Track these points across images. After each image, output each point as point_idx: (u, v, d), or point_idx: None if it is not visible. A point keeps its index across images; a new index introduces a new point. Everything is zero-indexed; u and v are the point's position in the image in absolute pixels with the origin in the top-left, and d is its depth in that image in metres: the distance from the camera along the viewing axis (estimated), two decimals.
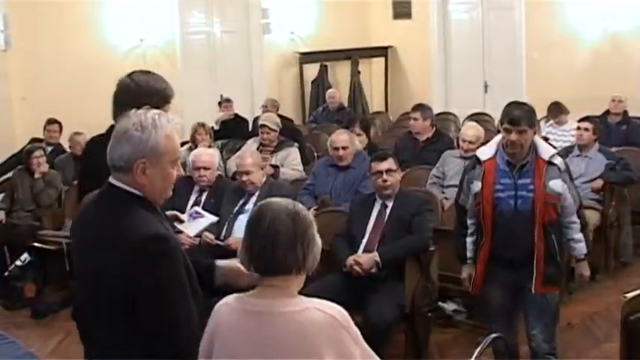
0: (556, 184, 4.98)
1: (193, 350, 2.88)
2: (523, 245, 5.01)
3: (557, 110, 10.36)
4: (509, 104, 5.12)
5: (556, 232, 5.07)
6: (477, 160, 5.19)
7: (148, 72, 4.02)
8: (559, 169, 5.02)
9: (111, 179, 2.97)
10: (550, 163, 5.01)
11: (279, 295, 2.80)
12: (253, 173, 6.71)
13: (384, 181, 6.04)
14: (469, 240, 5.27)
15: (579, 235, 5.19)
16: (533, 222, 4.98)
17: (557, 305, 5.29)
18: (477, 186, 5.10)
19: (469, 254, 5.27)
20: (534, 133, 5.08)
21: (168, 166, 2.96)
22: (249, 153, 7.23)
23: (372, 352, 2.90)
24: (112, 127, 3.87)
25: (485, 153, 5.20)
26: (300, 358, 2.69)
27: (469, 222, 5.26)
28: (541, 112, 9.06)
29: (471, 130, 8.13)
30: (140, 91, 3.89)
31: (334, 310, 2.77)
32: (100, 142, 3.91)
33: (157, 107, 3.73)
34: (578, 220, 5.17)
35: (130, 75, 3.98)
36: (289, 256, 2.78)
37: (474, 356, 2.52)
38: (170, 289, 2.81)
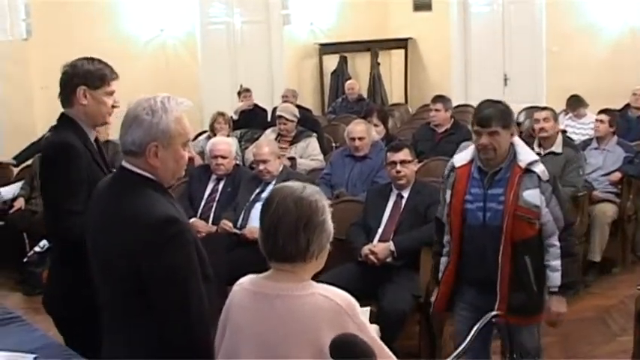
0: (532, 196, 4.32)
1: (203, 329, 2.90)
2: (494, 265, 4.36)
3: (576, 103, 10.32)
4: (481, 103, 4.57)
5: (532, 253, 4.38)
6: (452, 167, 4.65)
7: (90, 57, 4.03)
8: (539, 178, 4.36)
9: (123, 163, 3.02)
10: (528, 170, 4.38)
11: (288, 279, 2.80)
12: (270, 162, 6.73)
13: (398, 172, 6.03)
14: (443, 260, 4.69)
15: (556, 263, 4.42)
16: (501, 239, 4.35)
17: (538, 341, 4.60)
18: (448, 195, 4.59)
19: (441, 275, 4.68)
20: (512, 135, 4.46)
21: (180, 148, 3.01)
22: (266, 142, 7.26)
23: (383, 345, 2.83)
24: (62, 115, 3.99)
25: (460, 159, 4.66)
26: (299, 340, 2.70)
27: (445, 239, 4.68)
28: (560, 105, 9.06)
29: None
30: (75, 73, 3.92)
31: (340, 297, 2.75)
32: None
33: (96, 87, 3.90)
34: (557, 244, 4.41)
35: (71, 62, 4.02)
36: (290, 244, 2.76)
37: (470, 335, 2.50)
38: (181, 270, 2.85)
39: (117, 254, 2.88)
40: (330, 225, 2.86)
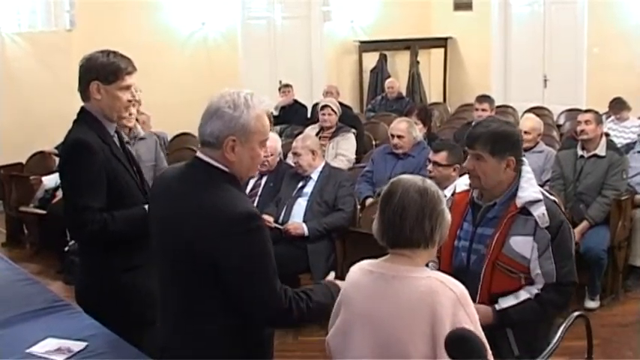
0: (520, 244, 3.63)
1: (278, 324, 3.05)
2: None
3: (618, 106, 10.21)
4: (485, 119, 3.99)
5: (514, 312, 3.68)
6: (454, 191, 3.97)
7: (106, 50, 3.94)
8: (536, 223, 3.63)
9: (199, 154, 3.04)
10: (524, 211, 3.67)
11: (406, 262, 2.90)
12: (302, 156, 6.75)
13: (430, 171, 5.98)
14: None
15: (521, 293, 3.69)
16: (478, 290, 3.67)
17: None
18: None
19: None
20: (508, 167, 3.71)
21: (257, 146, 3.02)
22: (302, 136, 7.28)
23: (485, 340, 2.67)
24: (81, 109, 3.96)
25: (463, 182, 3.95)
26: (412, 318, 2.77)
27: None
28: (602, 108, 8.98)
29: (528, 122, 8.01)
30: (89, 67, 3.86)
31: (455, 285, 2.84)
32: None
33: (109, 82, 3.82)
34: (536, 291, 3.69)
35: (88, 55, 3.96)
36: (416, 230, 2.87)
37: (557, 336, 2.50)
38: (259, 265, 2.91)
39: (190, 243, 2.90)
40: (448, 214, 2.98)
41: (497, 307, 3.67)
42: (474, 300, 3.13)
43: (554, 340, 2.52)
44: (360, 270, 3.04)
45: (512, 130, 3.83)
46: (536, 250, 3.62)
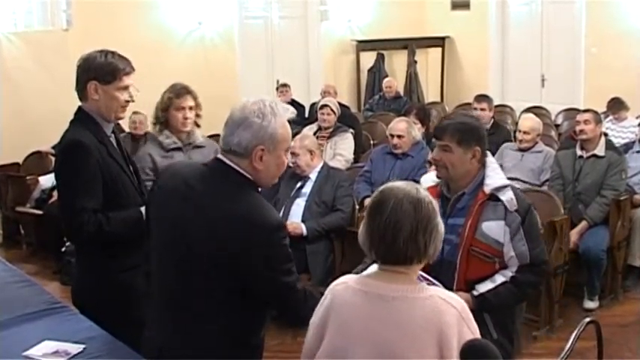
0: (492, 229, 3.75)
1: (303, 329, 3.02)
2: None
3: (617, 106, 10.20)
4: (448, 115, 4.09)
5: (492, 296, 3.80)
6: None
7: (104, 50, 3.93)
8: (505, 208, 3.78)
9: (222, 158, 3.02)
10: (493, 197, 3.81)
11: (403, 280, 2.75)
12: (300, 156, 6.72)
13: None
14: None
15: (496, 277, 3.81)
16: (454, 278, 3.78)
17: None
18: None
19: None
20: (474, 158, 3.86)
21: (283, 154, 3.05)
22: (300, 136, 7.24)
23: None
24: (78, 109, 3.94)
25: (429, 179, 4.11)
26: (420, 342, 2.65)
27: None
28: (600, 108, 8.95)
29: (527, 122, 7.99)
30: (87, 67, 3.85)
31: (456, 301, 2.72)
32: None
33: (107, 82, 3.82)
34: (511, 273, 3.82)
35: (86, 55, 3.94)
36: (410, 246, 2.70)
37: (569, 343, 2.47)
38: (286, 274, 2.97)
39: (210, 247, 2.88)
40: (442, 226, 2.83)
41: (475, 292, 3.77)
42: (450, 289, 3.33)
43: (567, 346, 2.49)
44: (349, 289, 2.83)
45: (478, 124, 4.02)
46: (508, 233, 3.75)
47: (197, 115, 5.35)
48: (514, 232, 3.76)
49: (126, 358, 3.35)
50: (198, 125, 5.39)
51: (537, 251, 3.85)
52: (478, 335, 2.71)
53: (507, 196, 3.78)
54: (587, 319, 2.62)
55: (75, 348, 3.41)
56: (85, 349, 3.40)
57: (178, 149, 5.26)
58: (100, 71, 3.84)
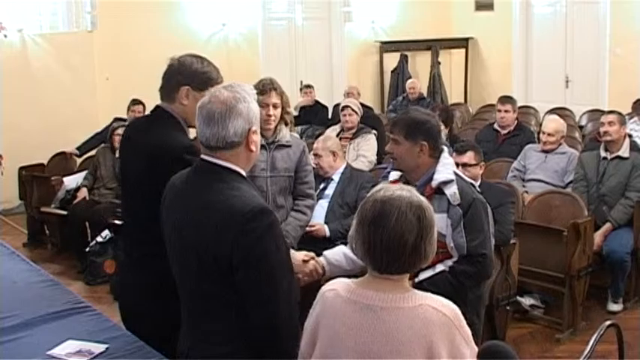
0: (437, 221, 3.56)
1: (292, 321, 2.94)
2: None
3: None
4: (404, 111, 4.29)
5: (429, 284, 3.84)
6: (387, 181, 4.23)
7: (199, 56, 3.88)
8: (448, 202, 3.94)
9: (205, 157, 3.01)
10: (440, 191, 3.97)
11: (393, 288, 2.69)
12: (322, 157, 6.68)
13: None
14: None
15: (438, 267, 3.96)
16: None
17: None
18: None
19: None
20: (421, 152, 4.01)
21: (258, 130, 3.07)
22: (322, 137, 7.20)
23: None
24: (156, 107, 3.88)
25: (395, 173, 4.26)
26: (410, 353, 2.60)
27: None
28: (624, 109, 8.90)
29: (552, 123, 7.93)
30: (182, 71, 3.78)
31: (447, 308, 2.65)
32: (142, 123, 3.98)
33: (200, 90, 3.68)
34: (449, 265, 3.97)
35: (179, 56, 3.91)
36: (414, 257, 2.66)
37: (590, 345, 2.47)
38: (274, 261, 2.88)
39: (207, 245, 2.88)
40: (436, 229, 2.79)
41: (415, 280, 3.86)
42: None
43: (587, 348, 2.49)
44: (338, 298, 2.76)
45: (427, 119, 4.11)
46: (450, 225, 3.92)
47: (286, 113, 5.31)
48: (455, 224, 3.92)
49: (148, 358, 3.37)
50: (286, 123, 5.32)
51: (475, 243, 3.96)
52: (471, 341, 2.67)
53: (451, 191, 3.94)
54: (608, 322, 2.62)
55: (98, 347, 3.43)
56: (108, 349, 3.42)
57: (261, 147, 5.14)
58: (196, 78, 3.77)
